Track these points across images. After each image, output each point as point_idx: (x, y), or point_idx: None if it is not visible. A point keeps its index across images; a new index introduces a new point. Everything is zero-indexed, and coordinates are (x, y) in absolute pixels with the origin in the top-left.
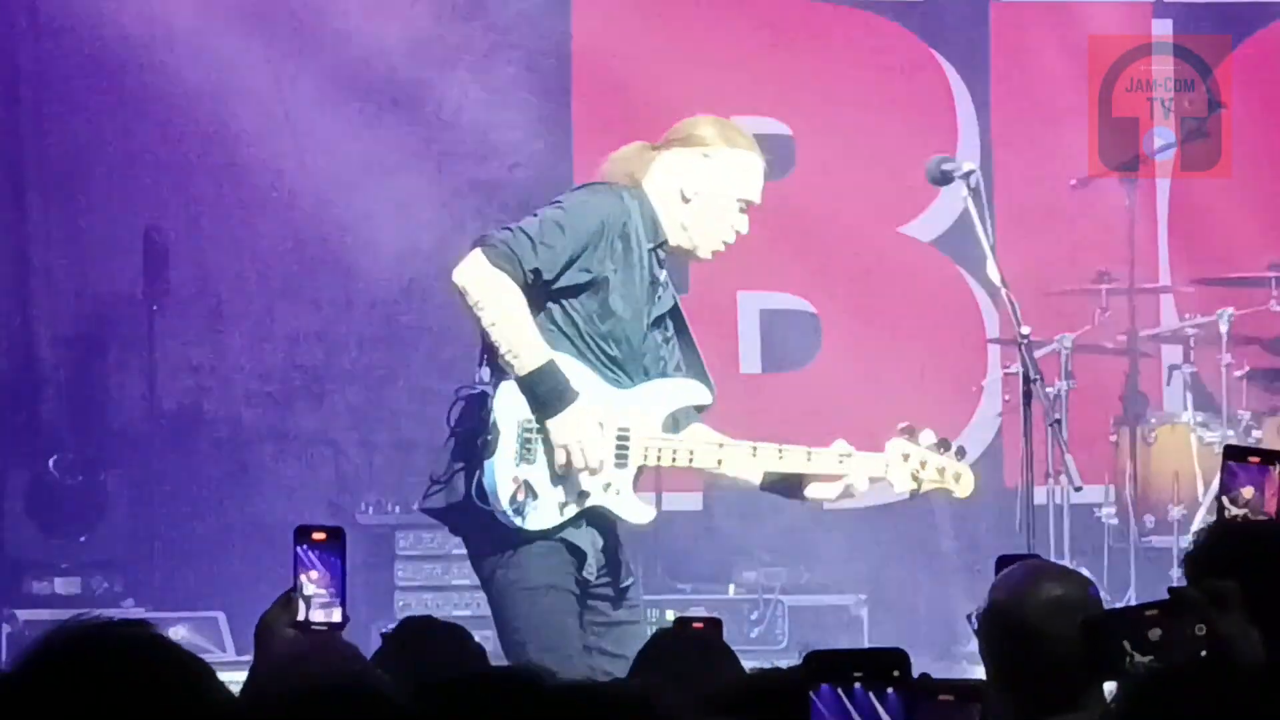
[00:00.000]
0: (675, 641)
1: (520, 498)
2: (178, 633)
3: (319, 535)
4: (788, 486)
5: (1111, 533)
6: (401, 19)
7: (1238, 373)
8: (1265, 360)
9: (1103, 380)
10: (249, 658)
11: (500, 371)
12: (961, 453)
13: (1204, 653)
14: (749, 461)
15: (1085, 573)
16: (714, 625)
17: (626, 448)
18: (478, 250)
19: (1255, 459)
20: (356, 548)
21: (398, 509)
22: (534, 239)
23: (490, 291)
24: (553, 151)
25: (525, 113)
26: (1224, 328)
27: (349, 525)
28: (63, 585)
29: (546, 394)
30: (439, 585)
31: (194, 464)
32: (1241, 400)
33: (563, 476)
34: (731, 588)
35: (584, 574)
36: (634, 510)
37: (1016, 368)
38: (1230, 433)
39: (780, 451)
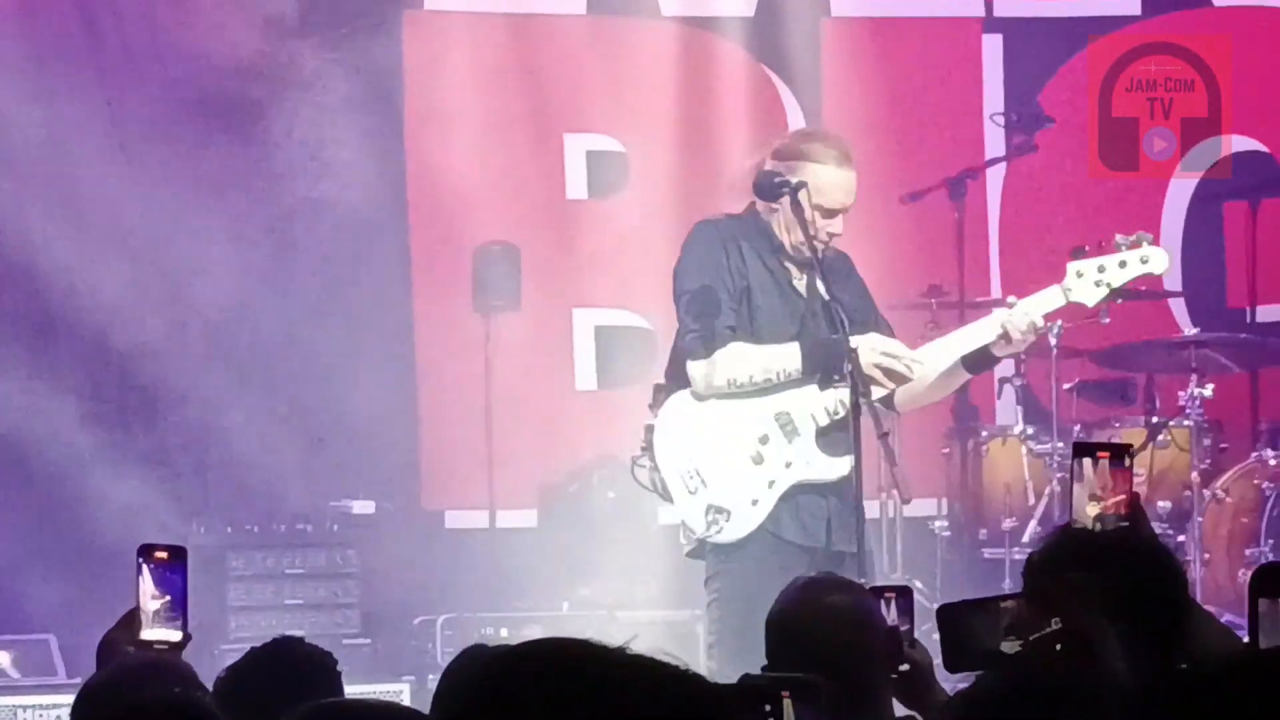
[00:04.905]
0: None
1: (713, 519)
2: (5, 656)
3: (161, 554)
4: (979, 365)
5: (945, 545)
6: (232, 39)
7: (1067, 385)
8: (1095, 373)
9: None
10: (80, 680)
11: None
12: (1144, 239)
13: (1059, 646)
14: (920, 370)
15: (919, 585)
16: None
17: (791, 423)
18: (689, 364)
19: (1104, 454)
20: (190, 569)
21: (230, 530)
22: (690, 318)
23: (730, 373)
24: (385, 170)
25: (357, 131)
26: (1054, 340)
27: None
28: None
29: (825, 361)
30: (272, 606)
31: (25, 484)
32: (1071, 412)
33: (740, 480)
34: (566, 604)
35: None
36: (826, 470)
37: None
38: (1060, 444)
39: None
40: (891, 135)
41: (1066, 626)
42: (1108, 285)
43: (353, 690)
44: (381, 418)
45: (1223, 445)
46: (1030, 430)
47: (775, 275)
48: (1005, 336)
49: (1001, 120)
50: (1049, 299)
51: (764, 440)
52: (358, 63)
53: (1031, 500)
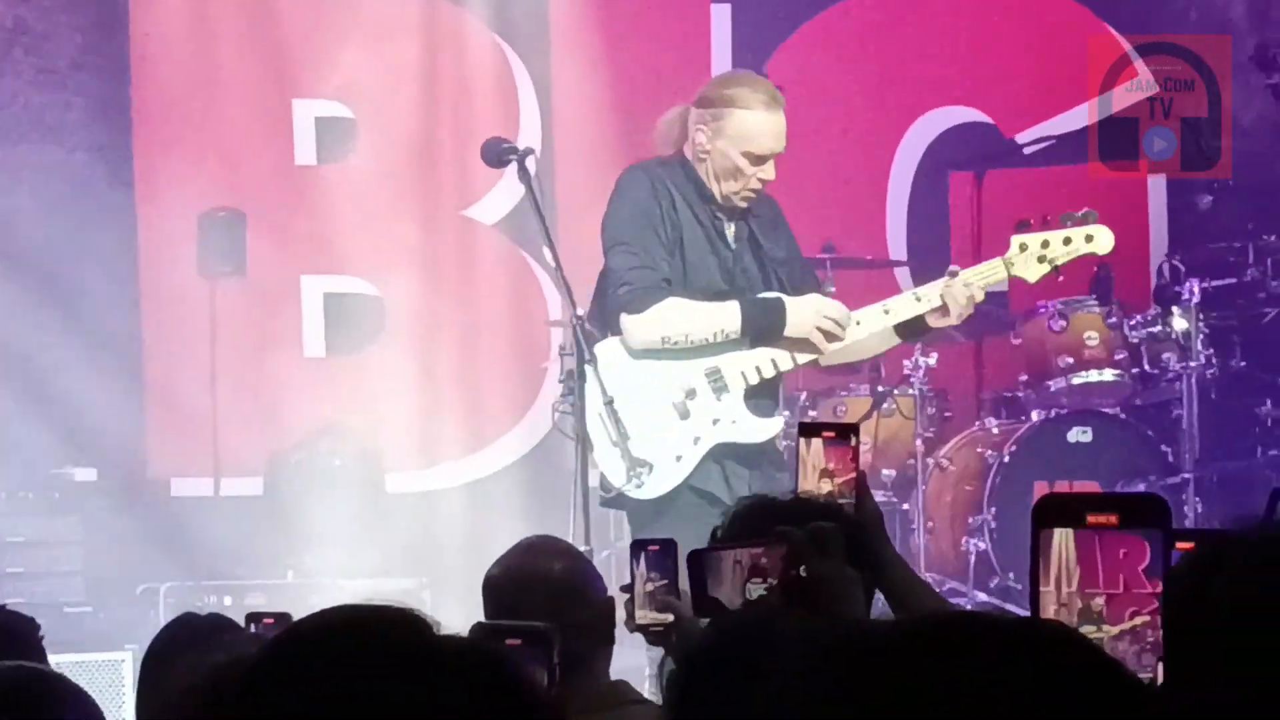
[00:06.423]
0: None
1: (634, 472)
2: None
3: None
4: (913, 332)
5: None
6: None
7: None
8: None
9: None
10: None
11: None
12: (1090, 217)
13: (801, 591)
14: (856, 332)
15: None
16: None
17: (720, 379)
18: (623, 316)
19: (829, 433)
20: None
21: (3, 495)
22: (625, 269)
23: (666, 330)
24: (112, 132)
25: (84, 94)
26: None
27: None
28: None
29: (767, 324)
30: (47, 573)
31: None
32: (798, 381)
33: (665, 434)
34: (291, 572)
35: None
36: (754, 431)
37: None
38: (787, 413)
39: (886, 309)
40: (619, 105)
41: (810, 573)
42: (1050, 262)
43: (74, 659)
44: (106, 384)
45: (947, 414)
46: None
47: (705, 226)
48: (944, 309)
49: (1172, 104)
50: (990, 272)
51: (691, 395)
52: (85, 25)
53: None
